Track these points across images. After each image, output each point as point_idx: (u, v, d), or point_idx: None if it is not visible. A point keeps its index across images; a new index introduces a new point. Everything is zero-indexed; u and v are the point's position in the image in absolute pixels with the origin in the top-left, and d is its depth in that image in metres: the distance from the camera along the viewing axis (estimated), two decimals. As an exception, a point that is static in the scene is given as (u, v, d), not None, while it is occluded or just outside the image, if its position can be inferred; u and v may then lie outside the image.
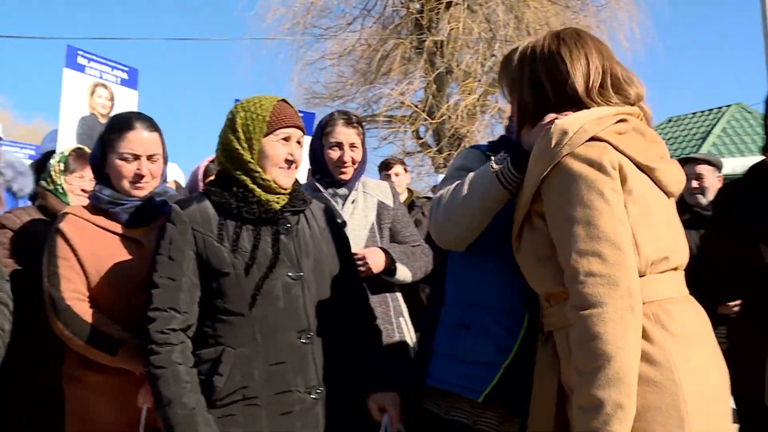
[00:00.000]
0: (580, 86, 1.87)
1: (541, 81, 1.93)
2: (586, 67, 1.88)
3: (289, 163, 2.25)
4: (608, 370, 1.60)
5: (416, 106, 17.19)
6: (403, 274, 3.02)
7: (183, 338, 2.13)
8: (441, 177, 7.25)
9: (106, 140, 2.50)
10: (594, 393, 1.61)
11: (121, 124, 2.49)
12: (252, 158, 2.22)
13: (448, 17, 17.02)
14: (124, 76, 4.78)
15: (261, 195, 2.21)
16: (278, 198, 2.25)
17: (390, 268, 2.97)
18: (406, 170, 5.87)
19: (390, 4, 17.95)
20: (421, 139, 17.77)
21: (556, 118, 1.83)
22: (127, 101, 4.70)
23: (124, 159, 2.45)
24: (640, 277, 1.71)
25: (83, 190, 3.12)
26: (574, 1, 18.85)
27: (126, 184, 2.48)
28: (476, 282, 2.22)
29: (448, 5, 17.07)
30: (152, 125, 2.52)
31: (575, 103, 1.87)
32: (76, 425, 2.47)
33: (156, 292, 2.13)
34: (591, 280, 1.66)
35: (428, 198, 6.58)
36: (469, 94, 16.68)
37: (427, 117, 16.70)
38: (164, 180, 2.62)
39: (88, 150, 3.37)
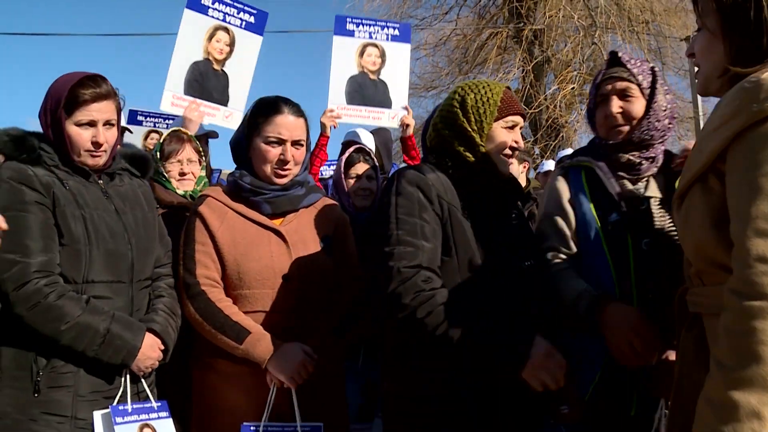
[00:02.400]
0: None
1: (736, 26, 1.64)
2: None
3: (513, 150, 2.24)
4: (753, 372, 1.37)
5: (512, 97, 16.88)
6: None
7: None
8: (546, 164, 7.07)
9: (251, 123, 2.49)
10: (730, 392, 1.39)
11: (269, 107, 2.48)
12: (482, 142, 2.19)
13: (547, 6, 16.61)
14: (251, 19, 4.44)
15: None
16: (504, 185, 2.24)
17: None
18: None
19: (486, -6, 17.69)
20: (517, 130, 17.44)
21: None
22: (248, 47, 4.41)
23: (270, 143, 2.44)
24: None
25: (181, 174, 3.16)
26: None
27: (269, 169, 2.46)
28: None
29: (547, -7, 16.68)
30: (299, 110, 2.50)
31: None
32: (203, 409, 2.48)
33: (406, 251, 2.02)
34: (763, 266, 1.41)
35: None
36: (567, 83, 16.25)
37: (524, 107, 16.36)
38: (305, 168, 2.58)
39: (184, 131, 3.39)
